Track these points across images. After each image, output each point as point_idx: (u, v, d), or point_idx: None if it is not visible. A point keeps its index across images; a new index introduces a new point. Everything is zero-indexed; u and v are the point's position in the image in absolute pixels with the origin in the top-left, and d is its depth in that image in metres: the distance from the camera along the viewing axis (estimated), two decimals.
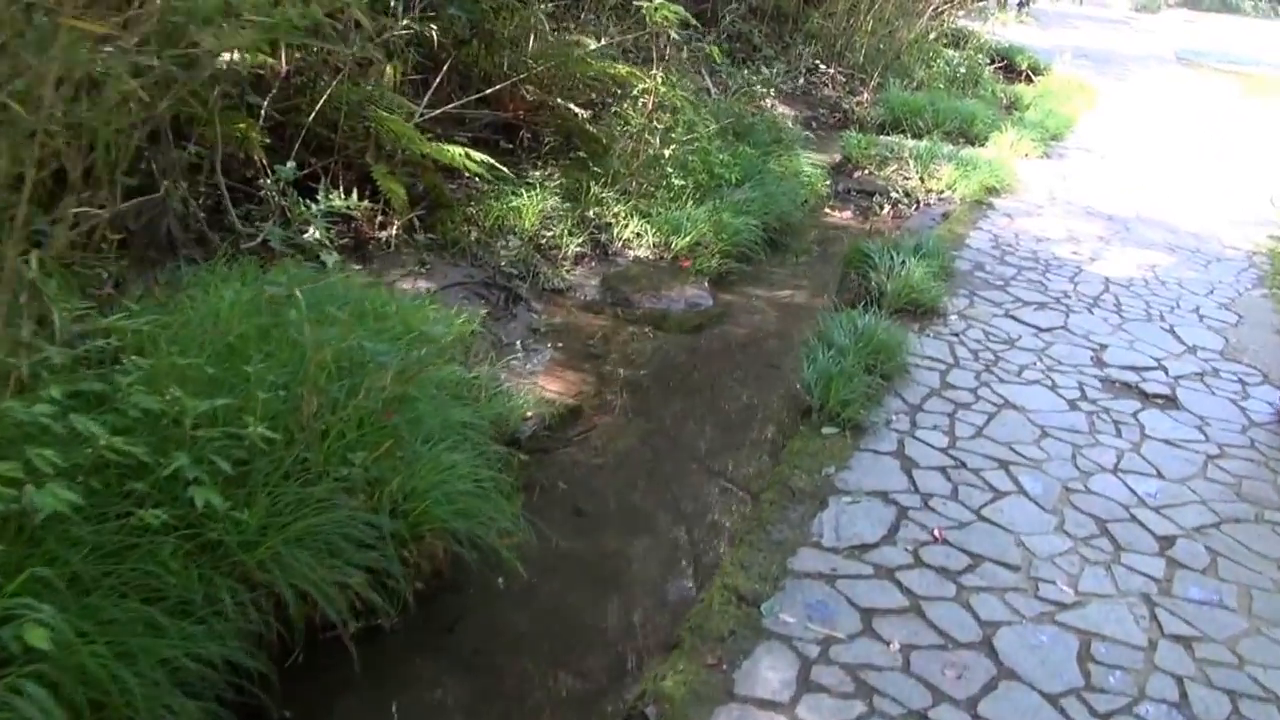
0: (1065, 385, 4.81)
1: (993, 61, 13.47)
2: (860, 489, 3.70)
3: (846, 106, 10.20)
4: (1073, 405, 4.63)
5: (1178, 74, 17.91)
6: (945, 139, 9.46)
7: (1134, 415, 4.62)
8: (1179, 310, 5.92)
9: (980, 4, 14.60)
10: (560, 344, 4.83)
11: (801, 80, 10.38)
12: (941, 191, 7.85)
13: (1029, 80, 13.62)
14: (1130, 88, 15.12)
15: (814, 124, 9.74)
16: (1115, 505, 3.79)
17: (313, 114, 4.80)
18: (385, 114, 5.04)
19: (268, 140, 4.61)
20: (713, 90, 9.41)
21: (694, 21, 6.76)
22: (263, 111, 4.62)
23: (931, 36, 12.20)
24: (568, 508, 3.62)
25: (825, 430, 4.13)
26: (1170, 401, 4.81)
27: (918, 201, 7.66)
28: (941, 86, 10.73)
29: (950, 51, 12.45)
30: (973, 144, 9.44)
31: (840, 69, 10.72)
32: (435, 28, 5.35)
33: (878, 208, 7.49)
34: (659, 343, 5.10)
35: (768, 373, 4.91)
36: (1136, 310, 5.84)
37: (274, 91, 4.68)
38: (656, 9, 6.11)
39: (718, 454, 4.15)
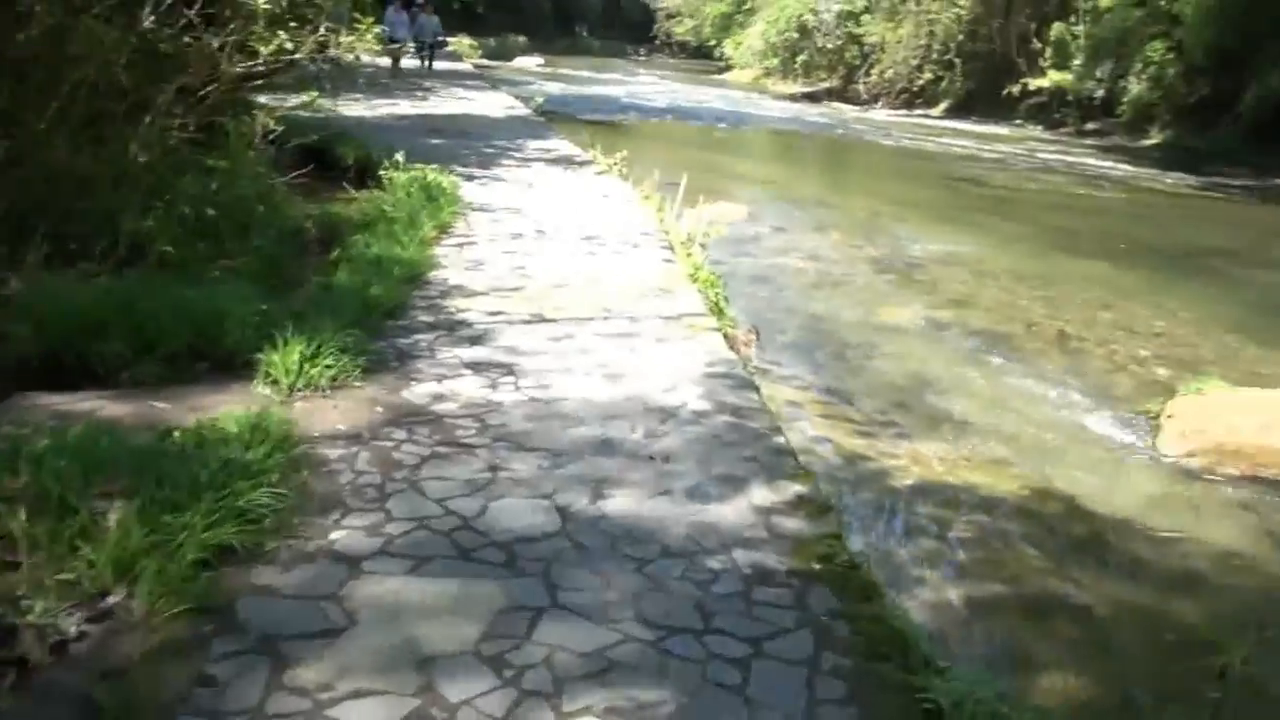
0: None
1: (297, 163, 8.97)
2: None
3: None
4: None
5: (549, 145, 14.83)
6: (164, 373, 4.68)
7: None
8: None
9: (273, 78, 9.93)
10: None
11: None
12: (102, 594, 3.04)
13: (362, 184, 9.34)
14: (502, 177, 11.31)
15: None
16: None
17: None
18: None
19: None
20: None
21: None
22: None
23: (174, 143, 7.15)
24: None
25: None
26: None
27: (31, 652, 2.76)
28: (171, 249, 5.83)
29: (217, 162, 7.63)
30: (225, 372, 4.78)
31: None
32: None
33: None
34: None
35: None
36: None
37: None
38: None
39: None
